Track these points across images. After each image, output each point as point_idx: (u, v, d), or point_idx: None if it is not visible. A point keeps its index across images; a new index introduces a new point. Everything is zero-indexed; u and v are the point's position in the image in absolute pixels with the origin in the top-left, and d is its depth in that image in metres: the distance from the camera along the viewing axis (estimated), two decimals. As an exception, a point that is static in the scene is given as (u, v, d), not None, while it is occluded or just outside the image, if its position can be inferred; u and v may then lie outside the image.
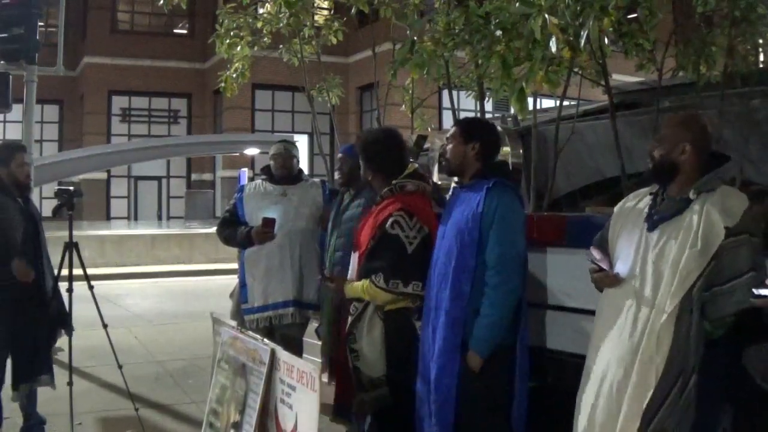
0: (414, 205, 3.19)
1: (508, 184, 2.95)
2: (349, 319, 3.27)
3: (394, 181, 3.26)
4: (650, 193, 2.55)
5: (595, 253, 2.59)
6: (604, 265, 2.53)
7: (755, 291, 2.14)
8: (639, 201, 2.58)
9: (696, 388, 2.25)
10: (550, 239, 3.27)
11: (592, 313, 2.71)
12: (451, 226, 2.95)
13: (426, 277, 3.10)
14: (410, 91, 6.79)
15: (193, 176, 25.49)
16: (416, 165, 3.52)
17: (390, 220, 3.12)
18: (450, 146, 3.05)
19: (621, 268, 2.48)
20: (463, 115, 6.64)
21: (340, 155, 4.07)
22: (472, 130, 3.04)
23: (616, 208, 2.68)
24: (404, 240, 3.09)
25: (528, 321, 2.96)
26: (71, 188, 4.39)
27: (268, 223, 4.06)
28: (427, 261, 3.11)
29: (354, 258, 3.36)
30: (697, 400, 2.25)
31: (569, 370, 2.95)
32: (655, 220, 2.43)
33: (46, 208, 17.54)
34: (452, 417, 2.84)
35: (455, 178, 3.14)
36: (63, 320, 4.25)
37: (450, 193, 3.17)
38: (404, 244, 3.09)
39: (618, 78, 6.57)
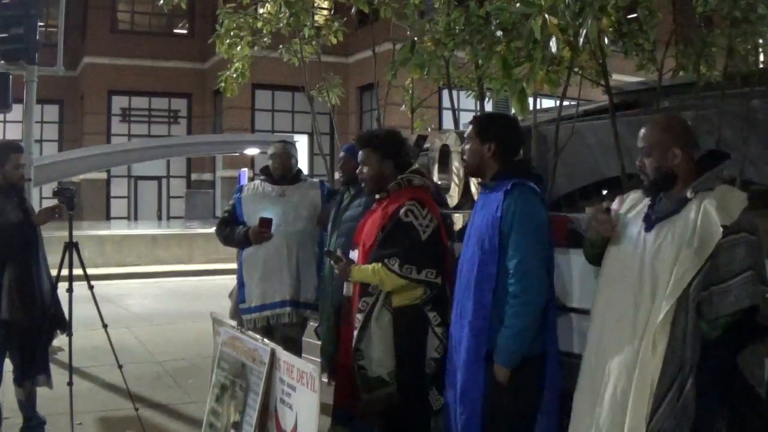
0: (425, 198, 3.23)
1: (528, 185, 2.79)
2: (359, 316, 3.18)
3: (401, 176, 3.28)
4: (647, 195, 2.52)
5: (615, 205, 2.53)
6: (613, 213, 2.47)
7: None
8: (637, 202, 2.55)
9: (694, 389, 2.21)
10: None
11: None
12: (474, 232, 2.85)
13: (440, 266, 3.09)
14: (410, 91, 6.79)
15: (193, 176, 25.48)
16: (417, 165, 3.51)
17: (403, 209, 3.12)
18: (467, 146, 2.93)
19: (618, 270, 2.45)
20: (463, 115, 6.67)
21: (342, 154, 4.07)
22: (488, 128, 2.89)
23: (612, 206, 2.63)
24: (418, 228, 3.09)
25: (556, 328, 2.83)
26: (72, 188, 4.39)
27: (265, 223, 4.08)
28: (440, 252, 3.11)
29: (353, 255, 3.33)
30: (695, 402, 2.22)
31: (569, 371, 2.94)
32: (652, 220, 2.40)
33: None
34: (479, 431, 2.75)
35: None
36: (60, 321, 4.24)
37: (476, 195, 3.12)
38: (419, 232, 3.08)
39: (618, 78, 6.56)
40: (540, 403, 2.74)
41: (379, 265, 3.09)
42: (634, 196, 2.60)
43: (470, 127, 2.96)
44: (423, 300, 3.11)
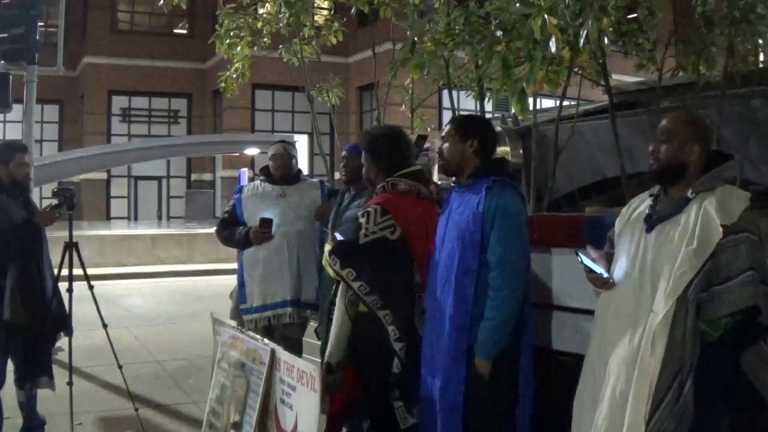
0: (395, 204, 3.13)
1: (508, 182, 2.87)
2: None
3: (387, 179, 3.23)
4: (650, 195, 2.52)
5: (592, 252, 2.56)
6: (598, 267, 2.49)
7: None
8: (641, 204, 2.55)
9: (693, 390, 2.20)
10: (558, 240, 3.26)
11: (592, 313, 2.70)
12: (452, 229, 2.89)
13: (370, 275, 3.04)
14: (410, 91, 6.79)
15: (193, 176, 25.47)
16: (420, 166, 3.48)
17: (363, 210, 3.18)
18: (446, 145, 2.98)
19: (620, 271, 2.45)
20: (463, 115, 6.65)
21: (344, 153, 4.07)
22: (468, 126, 2.98)
23: (622, 211, 2.64)
24: (363, 230, 3.08)
25: (531, 322, 2.89)
26: (72, 188, 4.39)
27: (266, 223, 4.08)
28: (384, 264, 3.06)
29: None
30: (694, 403, 2.22)
31: (569, 370, 2.95)
32: (653, 220, 2.40)
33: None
34: (460, 424, 2.77)
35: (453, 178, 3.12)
36: (63, 322, 4.24)
37: (448, 194, 3.13)
38: (360, 233, 3.08)
39: (618, 78, 6.56)
40: (517, 396, 2.80)
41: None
42: (639, 196, 2.61)
43: (449, 126, 3.03)
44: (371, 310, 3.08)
